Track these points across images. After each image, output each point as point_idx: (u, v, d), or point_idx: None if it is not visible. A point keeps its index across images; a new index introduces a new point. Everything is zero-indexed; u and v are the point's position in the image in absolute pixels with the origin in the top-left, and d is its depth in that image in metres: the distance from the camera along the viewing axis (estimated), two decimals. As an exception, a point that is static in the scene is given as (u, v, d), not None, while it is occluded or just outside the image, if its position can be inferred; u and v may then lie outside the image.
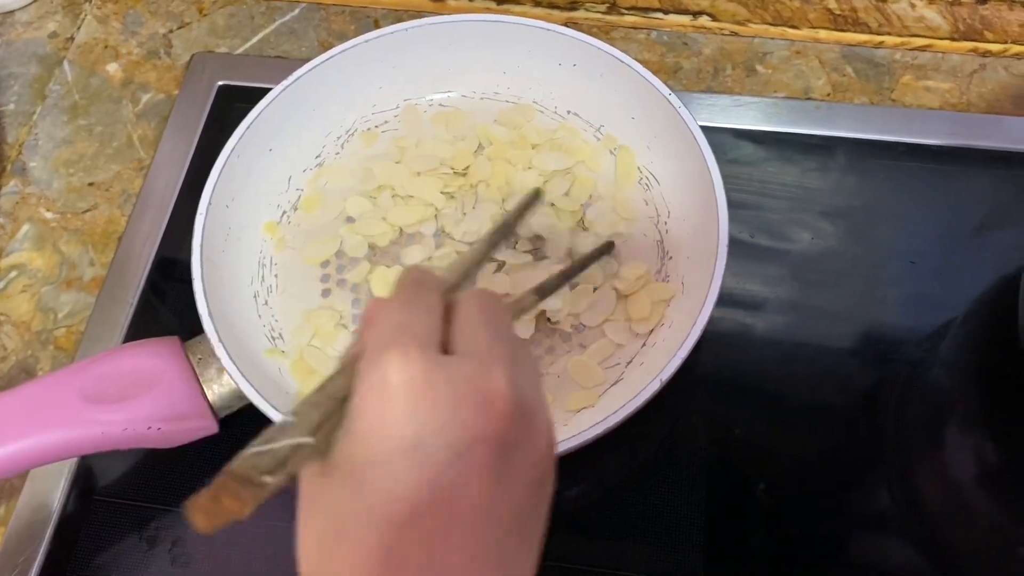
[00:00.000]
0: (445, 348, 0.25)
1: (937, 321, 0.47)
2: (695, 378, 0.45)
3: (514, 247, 0.47)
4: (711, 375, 0.46)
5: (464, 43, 0.49)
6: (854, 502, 0.43)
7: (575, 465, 0.42)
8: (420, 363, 0.23)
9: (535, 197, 0.38)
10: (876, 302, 0.47)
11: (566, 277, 0.39)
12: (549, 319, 0.45)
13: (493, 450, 0.23)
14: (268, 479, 0.22)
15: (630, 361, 0.44)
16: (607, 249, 0.45)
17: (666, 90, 0.45)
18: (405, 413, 0.22)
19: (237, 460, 0.22)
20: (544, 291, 0.36)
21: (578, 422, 0.42)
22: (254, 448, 0.22)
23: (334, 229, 0.48)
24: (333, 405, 0.24)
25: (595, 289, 0.45)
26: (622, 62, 0.47)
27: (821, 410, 0.45)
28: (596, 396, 0.43)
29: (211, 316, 0.40)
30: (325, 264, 0.47)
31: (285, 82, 0.47)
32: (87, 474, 0.44)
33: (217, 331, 0.40)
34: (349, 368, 0.24)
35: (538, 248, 0.47)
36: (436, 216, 0.48)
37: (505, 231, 0.35)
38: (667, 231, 0.47)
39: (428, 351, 0.23)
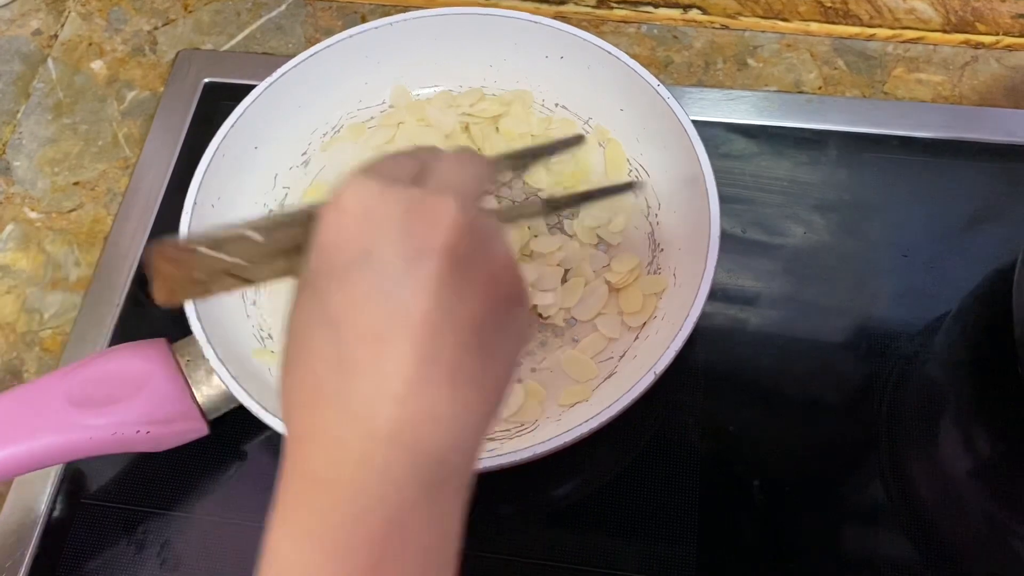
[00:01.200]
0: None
1: (930, 314, 0.47)
2: (688, 373, 0.45)
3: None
4: (704, 370, 0.45)
5: (449, 37, 0.49)
6: (847, 495, 0.43)
7: (569, 461, 0.42)
8: (376, 185, 0.24)
9: (577, 140, 0.37)
10: (869, 296, 0.47)
11: (583, 198, 0.38)
12: (541, 314, 0.45)
13: (443, 261, 0.23)
14: (202, 248, 0.25)
15: (623, 355, 0.43)
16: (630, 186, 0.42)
17: (654, 81, 0.45)
18: (357, 227, 0.23)
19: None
20: (555, 204, 0.35)
21: (572, 416, 0.41)
22: (201, 248, 0.25)
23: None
24: (288, 240, 0.26)
25: (587, 283, 0.45)
26: (609, 53, 0.46)
27: (814, 404, 0.45)
28: (590, 390, 0.42)
29: (199, 317, 0.40)
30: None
31: (269, 79, 0.46)
32: (74, 477, 0.44)
33: (205, 332, 0.39)
34: (313, 213, 0.26)
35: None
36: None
37: (529, 155, 0.35)
38: (658, 223, 0.46)
39: (390, 180, 0.24)
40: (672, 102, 0.44)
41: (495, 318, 0.24)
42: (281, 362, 0.25)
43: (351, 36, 0.48)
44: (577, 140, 0.38)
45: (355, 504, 0.22)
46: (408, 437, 0.22)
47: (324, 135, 0.50)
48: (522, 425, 0.42)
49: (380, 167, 0.26)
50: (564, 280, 0.45)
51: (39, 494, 0.43)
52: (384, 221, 0.23)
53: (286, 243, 0.26)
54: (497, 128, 0.50)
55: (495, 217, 0.29)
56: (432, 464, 0.23)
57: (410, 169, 0.26)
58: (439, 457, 0.23)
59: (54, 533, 0.42)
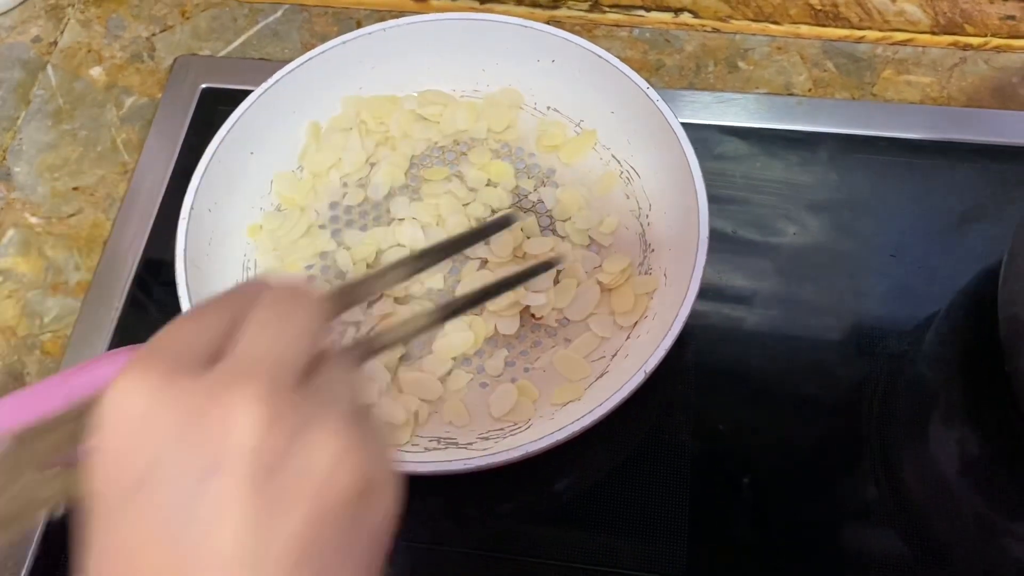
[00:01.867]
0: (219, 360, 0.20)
1: (920, 314, 0.47)
2: (680, 372, 0.45)
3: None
4: (695, 369, 0.46)
5: (442, 42, 0.50)
6: (838, 494, 0.43)
7: (561, 460, 0.42)
8: (153, 378, 0.19)
9: (506, 221, 0.32)
10: (859, 296, 0.48)
11: (485, 295, 0.30)
12: (533, 314, 0.45)
13: (242, 476, 0.18)
14: None
15: (615, 354, 0.44)
16: (546, 267, 0.34)
17: (644, 83, 0.46)
18: (137, 441, 0.19)
19: None
20: (452, 308, 0.28)
21: (564, 415, 0.42)
22: None
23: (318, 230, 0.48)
24: (51, 449, 0.21)
25: (579, 284, 0.46)
26: (600, 57, 0.47)
27: (805, 403, 0.45)
28: (582, 389, 0.43)
29: (195, 318, 0.40)
30: (309, 266, 0.47)
31: (264, 85, 0.47)
32: (74, 478, 0.44)
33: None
34: (82, 412, 0.22)
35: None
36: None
37: (438, 252, 0.29)
38: (649, 224, 0.47)
39: (176, 368, 0.19)
40: (661, 104, 0.45)
41: (332, 530, 0.19)
42: None
43: (345, 42, 0.48)
44: (505, 222, 0.32)
45: None
46: None
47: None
48: (515, 424, 0.42)
49: (171, 339, 0.20)
50: (556, 281, 0.46)
51: (40, 495, 0.44)
52: (166, 427, 0.19)
53: (38, 455, 0.21)
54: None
55: (353, 358, 0.23)
56: None
57: (217, 332, 0.20)
58: None
59: (54, 535, 0.43)
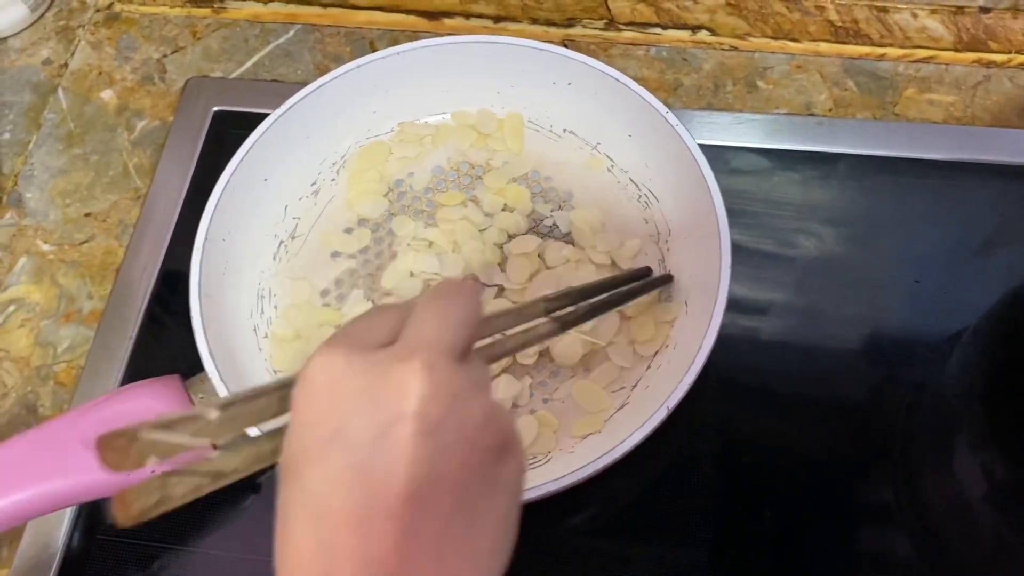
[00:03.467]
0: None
1: (943, 338, 0.47)
2: (701, 392, 0.45)
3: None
4: (717, 389, 0.45)
5: (456, 65, 0.49)
6: (862, 518, 0.43)
7: (581, 492, 0.42)
8: (342, 355, 0.23)
9: (665, 280, 0.41)
10: (882, 321, 0.47)
11: (603, 307, 0.38)
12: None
13: (413, 429, 0.22)
14: (147, 431, 0.23)
15: (635, 384, 0.43)
16: (653, 279, 0.43)
17: (663, 108, 0.45)
18: (325, 403, 0.23)
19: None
20: (568, 321, 0.35)
21: (585, 449, 0.41)
22: (148, 433, 0.23)
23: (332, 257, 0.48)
24: (252, 417, 0.25)
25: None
26: (617, 80, 0.46)
27: (828, 426, 0.45)
28: (602, 421, 0.42)
29: (212, 356, 0.40)
30: (325, 293, 0.47)
31: (277, 112, 0.46)
32: (90, 513, 0.44)
33: (219, 371, 0.39)
34: (280, 389, 0.26)
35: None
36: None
37: (580, 295, 0.36)
38: (668, 249, 0.46)
39: (358, 349, 0.24)
40: (680, 129, 0.44)
41: (480, 478, 0.23)
42: (275, 548, 0.24)
43: (359, 66, 0.48)
44: (665, 280, 0.41)
45: None
46: None
47: (333, 164, 0.50)
48: (535, 458, 0.42)
49: (354, 329, 0.25)
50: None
51: (55, 530, 0.43)
52: (350, 394, 0.23)
53: (248, 419, 0.25)
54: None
55: (482, 359, 0.27)
56: None
57: (389, 326, 0.25)
58: None
59: (71, 569, 0.43)
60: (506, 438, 0.25)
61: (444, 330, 0.25)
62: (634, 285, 0.42)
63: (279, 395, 0.26)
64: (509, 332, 0.32)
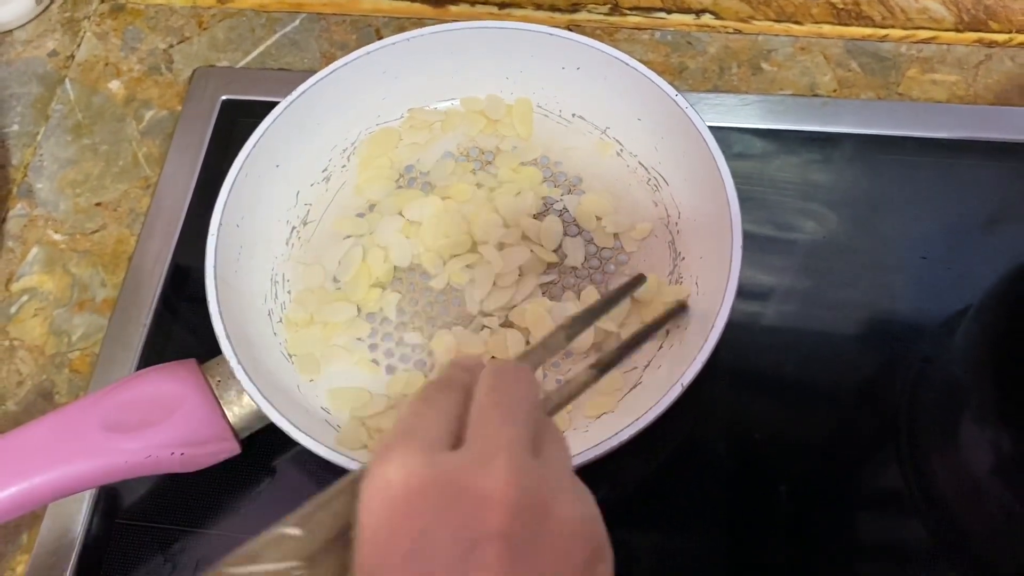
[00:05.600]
0: (461, 439, 0.24)
1: (949, 315, 0.47)
2: (712, 375, 0.45)
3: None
4: (727, 372, 0.46)
5: (465, 50, 0.49)
6: (870, 495, 0.43)
7: (593, 472, 0.42)
8: (419, 464, 0.22)
9: (638, 282, 0.41)
10: (888, 298, 0.47)
11: (627, 349, 0.39)
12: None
13: (500, 547, 0.21)
14: (232, 569, 0.22)
15: (647, 364, 0.44)
16: (638, 282, 0.43)
17: (672, 90, 0.45)
18: (404, 517, 0.21)
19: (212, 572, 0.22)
20: (604, 365, 0.35)
21: (599, 428, 0.42)
22: (233, 568, 0.22)
23: (345, 243, 0.48)
24: (335, 521, 0.23)
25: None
26: (626, 64, 0.46)
27: (836, 407, 0.45)
28: (615, 401, 0.43)
29: (229, 338, 0.40)
30: (338, 278, 0.47)
31: (288, 99, 0.46)
32: (109, 497, 0.44)
33: (236, 353, 0.40)
34: (352, 485, 0.24)
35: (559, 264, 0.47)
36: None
37: (590, 317, 0.37)
38: (678, 232, 0.47)
39: (430, 450, 0.22)
40: (690, 111, 0.44)
41: None
42: None
43: (368, 53, 0.48)
44: (638, 282, 0.42)
45: None
46: None
47: (344, 151, 0.50)
48: (550, 437, 0.42)
49: (417, 424, 0.24)
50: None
51: (75, 514, 0.44)
52: (430, 505, 0.21)
53: (331, 527, 0.23)
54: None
55: (551, 421, 0.26)
56: None
57: (453, 414, 0.24)
58: None
59: (91, 553, 0.43)
60: (598, 543, 0.23)
61: (515, 427, 0.23)
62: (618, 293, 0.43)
63: (353, 491, 0.24)
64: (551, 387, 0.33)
